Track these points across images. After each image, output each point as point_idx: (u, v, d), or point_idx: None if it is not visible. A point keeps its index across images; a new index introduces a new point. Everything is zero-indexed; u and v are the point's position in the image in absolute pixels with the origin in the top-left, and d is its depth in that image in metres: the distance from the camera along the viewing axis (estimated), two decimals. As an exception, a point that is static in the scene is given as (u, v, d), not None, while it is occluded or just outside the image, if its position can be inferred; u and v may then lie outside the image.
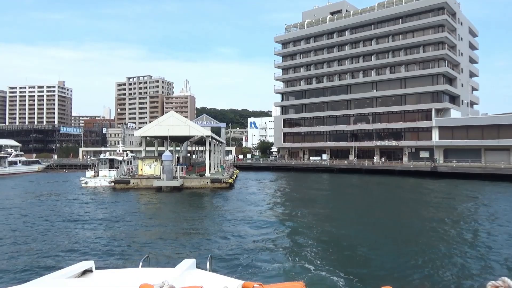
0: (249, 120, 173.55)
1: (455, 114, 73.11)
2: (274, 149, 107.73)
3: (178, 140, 59.25)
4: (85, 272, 3.37)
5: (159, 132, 43.96)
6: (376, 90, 79.78)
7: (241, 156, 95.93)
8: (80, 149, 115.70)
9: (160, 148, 58.40)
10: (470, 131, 66.09)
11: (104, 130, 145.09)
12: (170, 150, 47.55)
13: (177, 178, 41.06)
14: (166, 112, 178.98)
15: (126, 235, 18.93)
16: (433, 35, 72.01)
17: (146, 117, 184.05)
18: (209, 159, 47.25)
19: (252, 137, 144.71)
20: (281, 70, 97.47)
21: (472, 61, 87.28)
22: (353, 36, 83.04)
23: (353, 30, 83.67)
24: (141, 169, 43.98)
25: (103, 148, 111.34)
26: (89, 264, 3.45)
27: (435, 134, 69.85)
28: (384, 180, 54.52)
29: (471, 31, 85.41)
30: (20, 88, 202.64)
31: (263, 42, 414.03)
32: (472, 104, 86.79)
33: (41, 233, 19.33)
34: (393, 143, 74.89)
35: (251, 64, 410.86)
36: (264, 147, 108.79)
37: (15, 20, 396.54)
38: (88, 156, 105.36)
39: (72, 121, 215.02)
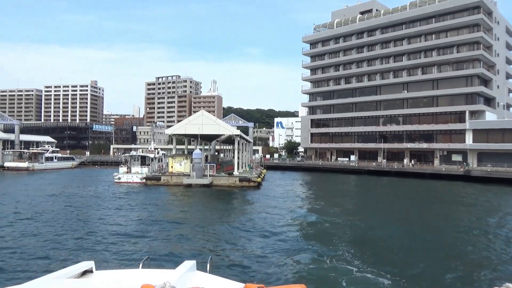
0: (276, 120, 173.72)
1: (491, 117, 70.61)
2: (300, 149, 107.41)
3: (207, 138, 60.14)
4: (85, 272, 3.36)
5: (190, 131, 44.82)
6: (407, 91, 78.15)
7: (268, 156, 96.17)
8: (111, 146, 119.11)
9: (188, 147, 59.53)
10: (506, 134, 63.68)
11: (134, 128, 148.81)
12: (199, 149, 48.32)
13: (207, 176, 41.73)
14: (194, 112, 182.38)
15: (156, 231, 19.50)
16: (468, 35, 69.83)
17: (174, 116, 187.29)
18: (238, 158, 47.71)
19: (278, 137, 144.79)
20: (309, 71, 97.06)
21: (509, 62, 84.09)
22: (384, 36, 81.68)
23: (384, 30, 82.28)
24: (172, 167, 44.97)
25: (133, 146, 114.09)
26: (89, 264, 3.43)
27: (469, 137, 67.70)
28: (415, 183, 53.46)
29: (508, 30, 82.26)
30: (55, 87, 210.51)
31: (290, 42, 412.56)
32: (508, 106, 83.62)
33: (74, 225, 20.23)
34: (424, 145, 73.16)
35: (277, 65, 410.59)
36: (291, 147, 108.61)
37: (50, 22, 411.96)
38: (119, 153, 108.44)
39: (103, 119, 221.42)
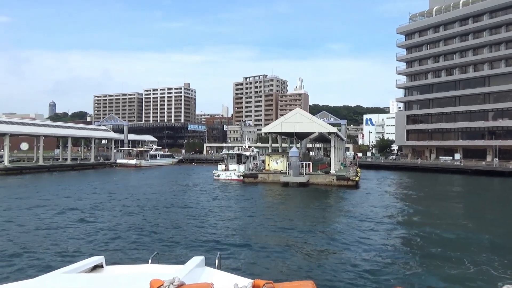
0: (365, 116, 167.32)
1: None
2: (394, 147, 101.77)
3: (299, 136, 59.95)
4: (95, 267, 3.37)
5: (285, 129, 44.99)
6: (523, 81, 69.27)
7: (360, 154, 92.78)
8: (205, 145, 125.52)
9: (275, 145, 59.86)
10: None
11: (225, 128, 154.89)
12: (296, 147, 48.21)
13: (303, 174, 41.49)
14: (280, 110, 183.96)
15: (257, 225, 19.68)
16: None
17: (261, 114, 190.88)
18: (334, 156, 46.67)
19: (368, 135, 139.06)
20: (405, 63, 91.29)
21: None
22: (493, 21, 73.32)
23: (493, 14, 73.87)
24: (268, 164, 45.60)
25: (224, 144, 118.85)
26: (100, 259, 3.45)
27: None
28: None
29: None
30: (153, 90, 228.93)
31: (379, 35, 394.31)
32: None
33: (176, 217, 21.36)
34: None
35: (364, 59, 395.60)
36: (383, 145, 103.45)
37: (147, 31, 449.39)
38: (212, 152, 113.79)
39: (195, 119, 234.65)
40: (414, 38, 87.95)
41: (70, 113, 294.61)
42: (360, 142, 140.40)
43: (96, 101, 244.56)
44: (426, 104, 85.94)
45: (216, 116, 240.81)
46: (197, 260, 3.34)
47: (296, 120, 44.18)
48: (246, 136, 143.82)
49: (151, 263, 3.70)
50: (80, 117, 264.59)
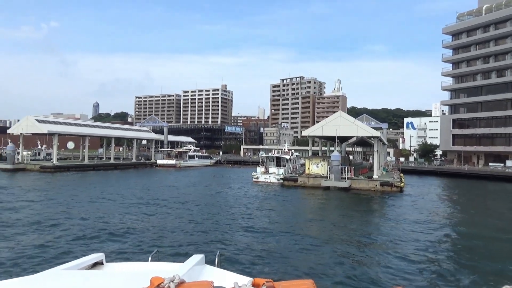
0: (406, 120, 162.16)
1: None
2: (437, 152, 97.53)
3: (340, 140, 58.62)
4: (95, 264, 3.38)
5: (327, 132, 44.04)
6: None
7: (402, 159, 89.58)
8: (242, 147, 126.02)
9: (314, 148, 58.83)
10: None
11: (261, 130, 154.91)
12: (337, 151, 47.16)
13: (345, 179, 40.41)
14: (317, 112, 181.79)
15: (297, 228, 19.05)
16: None
17: (297, 117, 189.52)
18: (377, 161, 45.17)
19: (410, 139, 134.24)
20: (451, 65, 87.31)
21: None
22: (551, 19, 68.65)
23: (551, 12, 69.18)
24: (308, 168, 44.82)
25: (261, 147, 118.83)
26: (100, 256, 3.46)
27: None
28: None
29: None
30: (191, 92, 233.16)
31: (421, 35, 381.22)
32: None
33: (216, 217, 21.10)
34: None
35: (405, 61, 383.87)
36: (426, 150, 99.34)
37: (186, 33, 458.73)
38: (248, 153, 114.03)
39: (232, 121, 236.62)
40: (462, 38, 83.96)
41: (112, 114, 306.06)
42: (401, 146, 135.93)
43: (137, 102, 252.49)
44: (474, 107, 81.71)
45: (252, 118, 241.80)
46: (197, 258, 3.34)
47: (338, 124, 43.14)
48: (282, 139, 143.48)
49: (151, 260, 3.69)
50: (121, 117, 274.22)
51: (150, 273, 2.60)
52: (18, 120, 74.02)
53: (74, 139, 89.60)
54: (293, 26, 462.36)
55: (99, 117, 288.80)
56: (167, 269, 2.97)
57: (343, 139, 54.11)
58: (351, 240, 17.89)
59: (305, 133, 46.85)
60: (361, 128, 43.13)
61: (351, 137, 55.28)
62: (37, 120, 62.04)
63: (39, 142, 74.30)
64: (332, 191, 39.11)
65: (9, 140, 65.57)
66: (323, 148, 62.24)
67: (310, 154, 47.65)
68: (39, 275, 2.85)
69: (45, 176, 49.84)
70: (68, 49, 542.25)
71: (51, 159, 63.73)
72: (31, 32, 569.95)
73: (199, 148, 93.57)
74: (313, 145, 57.00)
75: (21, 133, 63.78)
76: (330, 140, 57.78)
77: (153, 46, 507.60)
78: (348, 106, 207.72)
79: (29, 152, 66.87)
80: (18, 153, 62.29)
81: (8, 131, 69.16)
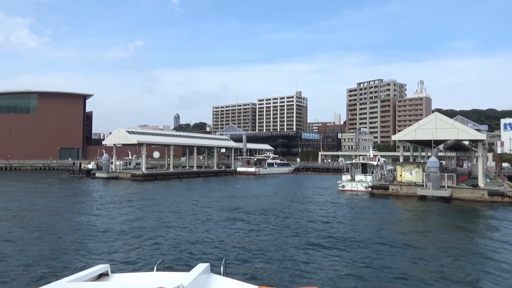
0: (502, 121, 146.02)
1: None
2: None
3: (430, 144, 53.66)
4: (101, 275, 3.32)
5: (420, 136, 40.24)
6: None
7: (506, 164, 79.73)
8: (319, 153, 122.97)
9: (405, 153, 54.42)
10: None
11: (339, 135, 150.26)
12: (435, 156, 42.84)
13: (444, 187, 36.27)
14: (398, 116, 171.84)
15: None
16: None
17: (377, 121, 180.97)
18: (482, 167, 40.11)
19: (509, 142, 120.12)
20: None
21: None
22: None
23: None
24: (400, 175, 41.24)
25: (340, 153, 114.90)
26: (105, 267, 3.39)
27: None
28: None
29: None
30: (266, 100, 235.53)
31: (510, 29, 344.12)
32: None
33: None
34: None
35: (494, 56, 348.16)
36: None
37: (259, 43, 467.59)
38: (327, 160, 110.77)
39: (307, 127, 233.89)
40: None
41: (192, 124, 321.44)
42: (499, 150, 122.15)
43: (214, 112, 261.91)
44: None
45: (327, 124, 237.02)
46: (202, 267, 3.28)
47: (433, 126, 39.11)
48: (361, 145, 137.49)
49: (156, 270, 3.56)
50: (200, 127, 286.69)
51: (155, 283, 2.65)
52: (110, 133, 79.97)
53: (159, 148, 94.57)
54: (366, 29, 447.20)
55: (180, 128, 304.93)
56: (172, 279, 2.92)
57: (437, 143, 49.31)
58: (456, 276, 13.88)
59: (395, 137, 43.34)
60: (462, 131, 38.55)
61: (444, 141, 50.22)
62: (128, 131, 66.20)
63: (129, 152, 79.34)
64: (430, 201, 35.35)
65: (104, 151, 70.90)
66: (415, 154, 57.60)
67: (401, 160, 43.87)
68: None
69: (136, 184, 52.56)
70: (153, 65, 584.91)
71: (140, 168, 67.42)
72: (120, 52, 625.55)
73: (277, 156, 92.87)
74: (395, 151, 52.99)
75: (114, 144, 68.58)
76: (422, 144, 53.21)
77: (228, 58, 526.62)
78: (433, 108, 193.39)
79: (121, 162, 71.57)
80: (112, 163, 66.89)
81: (103, 142, 74.94)
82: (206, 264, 3.37)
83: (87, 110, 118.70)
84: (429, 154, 62.30)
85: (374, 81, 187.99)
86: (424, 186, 37.43)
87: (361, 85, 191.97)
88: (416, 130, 40.63)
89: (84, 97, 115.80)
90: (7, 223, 22.04)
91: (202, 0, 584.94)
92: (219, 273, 3.42)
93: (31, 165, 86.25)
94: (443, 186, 36.50)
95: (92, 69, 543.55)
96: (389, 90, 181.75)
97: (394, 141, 44.06)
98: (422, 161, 48.17)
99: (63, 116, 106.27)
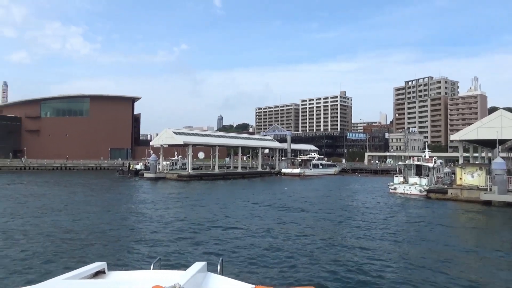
0: None
1: None
2: None
3: (492, 145, 49.67)
4: (97, 273, 3.35)
5: (483, 135, 37.17)
6: None
7: None
8: (366, 154, 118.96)
9: (465, 154, 50.72)
10: None
11: (386, 135, 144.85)
12: (501, 157, 39.49)
13: (512, 191, 33.12)
14: (450, 115, 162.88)
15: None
16: None
17: (427, 120, 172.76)
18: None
19: None
20: None
21: None
22: None
23: None
24: (460, 178, 38.25)
25: (387, 153, 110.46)
26: (102, 265, 3.42)
27: None
28: None
29: None
30: (309, 100, 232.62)
31: None
32: None
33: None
34: None
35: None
36: None
37: (301, 43, 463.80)
38: (374, 161, 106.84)
39: (352, 127, 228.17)
40: None
41: (234, 125, 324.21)
42: None
43: (257, 113, 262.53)
44: None
45: (373, 124, 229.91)
46: (199, 265, 3.27)
47: (498, 125, 35.94)
48: (411, 145, 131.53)
49: (153, 268, 3.49)
50: (243, 128, 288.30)
51: (152, 281, 2.59)
52: (157, 134, 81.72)
53: (204, 149, 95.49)
54: (415, 24, 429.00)
55: (223, 129, 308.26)
56: (168, 278, 2.90)
57: (499, 143, 45.50)
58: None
59: (454, 137, 40.33)
60: (534, 129, 35.07)
61: (507, 140, 46.22)
62: (174, 132, 67.18)
63: (176, 153, 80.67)
64: (496, 207, 32.38)
65: (152, 152, 72.39)
66: (475, 155, 53.74)
67: (461, 161, 40.75)
68: (39, 286, 2.76)
69: (182, 184, 53.02)
70: (197, 67, 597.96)
71: (186, 168, 68.17)
72: (166, 56, 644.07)
73: (322, 156, 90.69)
74: (447, 151, 49.45)
75: (161, 145, 69.90)
76: (483, 144, 49.51)
77: (271, 59, 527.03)
78: (488, 106, 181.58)
79: (167, 162, 72.82)
80: (159, 163, 68.17)
81: (151, 143, 76.64)
82: (203, 263, 3.38)
83: (135, 112, 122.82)
84: (489, 155, 57.99)
85: (423, 78, 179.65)
86: (489, 190, 34.42)
87: (409, 83, 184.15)
88: (478, 129, 37.61)
89: (133, 100, 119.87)
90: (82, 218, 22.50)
91: (244, 3, 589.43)
92: (216, 272, 3.42)
93: (84, 165, 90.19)
94: (510, 190, 33.40)
95: (140, 72, 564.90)
96: (440, 88, 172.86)
97: (446, 141, 41.09)
98: (483, 162, 44.64)
99: (113, 118, 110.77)
